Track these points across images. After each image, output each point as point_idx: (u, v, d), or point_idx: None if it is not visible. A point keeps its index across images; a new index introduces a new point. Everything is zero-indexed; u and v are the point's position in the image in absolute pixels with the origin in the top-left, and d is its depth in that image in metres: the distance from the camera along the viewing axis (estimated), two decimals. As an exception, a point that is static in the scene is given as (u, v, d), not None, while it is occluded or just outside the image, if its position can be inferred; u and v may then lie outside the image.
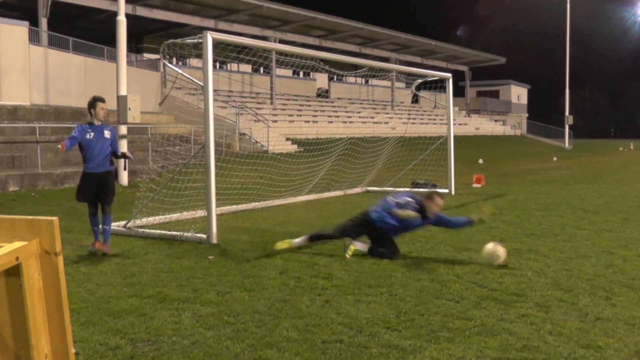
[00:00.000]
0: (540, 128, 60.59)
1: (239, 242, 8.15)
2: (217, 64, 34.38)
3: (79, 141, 7.32)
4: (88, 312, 5.00)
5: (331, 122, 34.86)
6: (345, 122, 35.65)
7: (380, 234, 7.25)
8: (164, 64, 16.03)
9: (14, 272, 2.39)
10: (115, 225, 9.17)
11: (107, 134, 7.45)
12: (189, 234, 8.34)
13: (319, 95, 43.54)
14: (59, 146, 7.07)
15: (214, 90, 8.61)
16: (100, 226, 7.60)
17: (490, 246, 6.73)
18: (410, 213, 7.14)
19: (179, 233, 8.46)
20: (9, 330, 2.50)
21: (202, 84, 8.33)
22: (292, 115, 33.59)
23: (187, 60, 23.68)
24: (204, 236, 8.15)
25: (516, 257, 7.07)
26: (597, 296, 5.43)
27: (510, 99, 62.28)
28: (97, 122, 7.43)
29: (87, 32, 28.91)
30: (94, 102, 7.43)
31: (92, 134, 7.33)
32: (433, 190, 7.50)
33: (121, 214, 10.58)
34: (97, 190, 7.45)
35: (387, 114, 43.01)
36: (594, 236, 8.50)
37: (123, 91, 15.58)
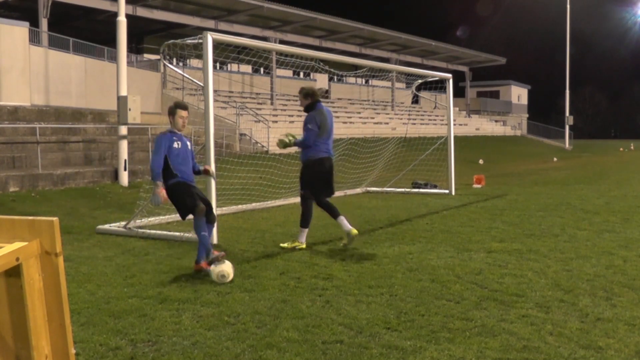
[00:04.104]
0: (540, 128, 60.60)
1: (240, 243, 8.15)
2: (218, 65, 34.38)
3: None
4: (88, 312, 5.00)
5: (331, 122, 34.82)
6: (346, 123, 35.65)
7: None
8: (164, 65, 16.04)
9: (14, 272, 2.39)
10: (116, 226, 9.19)
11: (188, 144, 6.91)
12: (190, 235, 8.34)
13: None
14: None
15: (214, 91, 8.61)
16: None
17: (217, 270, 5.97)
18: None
19: (179, 233, 8.46)
20: (9, 330, 2.50)
21: (202, 84, 8.34)
22: (292, 116, 33.55)
23: (188, 60, 23.72)
24: (204, 237, 8.14)
25: (516, 258, 7.07)
26: (598, 297, 5.43)
27: (510, 99, 62.28)
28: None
29: (88, 33, 28.94)
30: (175, 108, 6.84)
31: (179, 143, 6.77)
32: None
33: (121, 214, 10.60)
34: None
35: (388, 114, 43.00)
36: (594, 237, 8.50)
37: (123, 92, 15.58)
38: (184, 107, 6.90)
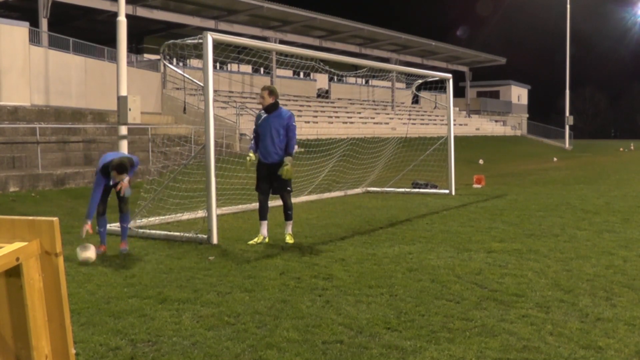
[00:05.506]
0: (540, 128, 60.60)
1: (240, 243, 8.15)
2: (218, 65, 34.38)
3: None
4: (88, 312, 5.00)
5: (331, 122, 34.84)
6: (346, 123, 35.64)
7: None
8: (165, 65, 16.03)
9: (15, 272, 2.39)
10: (116, 226, 9.17)
11: None
12: (190, 235, 8.34)
13: (319, 95, 43.56)
14: None
15: (214, 91, 8.62)
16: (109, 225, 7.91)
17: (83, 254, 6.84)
18: None
19: (179, 233, 8.46)
20: (9, 330, 2.50)
21: (202, 84, 8.34)
22: (292, 116, 33.53)
23: (188, 60, 23.71)
24: (205, 237, 8.15)
25: (516, 258, 7.07)
26: (598, 297, 5.43)
27: (510, 99, 62.28)
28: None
29: (88, 33, 28.93)
30: (110, 171, 7.26)
31: None
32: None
33: (121, 215, 10.57)
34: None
35: (388, 114, 43.01)
36: (594, 237, 8.50)
37: (123, 92, 15.55)
38: (121, 172, 7.22)
